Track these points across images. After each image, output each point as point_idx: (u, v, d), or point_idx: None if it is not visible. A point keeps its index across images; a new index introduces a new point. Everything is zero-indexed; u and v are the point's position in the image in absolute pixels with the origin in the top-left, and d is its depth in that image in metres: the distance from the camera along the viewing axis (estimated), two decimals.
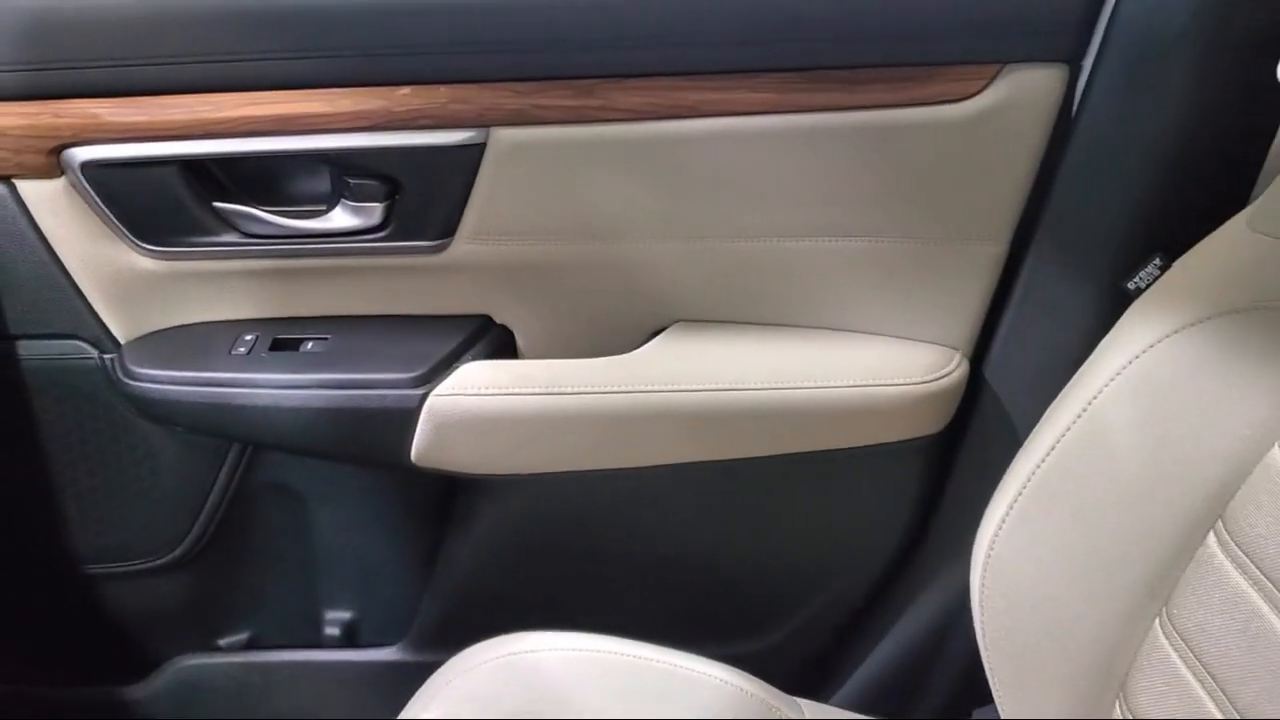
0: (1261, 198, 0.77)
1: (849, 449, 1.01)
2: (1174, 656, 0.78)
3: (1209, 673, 0.73)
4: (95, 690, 1.15)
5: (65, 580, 1.11)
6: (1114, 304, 0.84)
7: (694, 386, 0.98)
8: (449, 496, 1.08)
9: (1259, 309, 0.74)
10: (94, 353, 1.02)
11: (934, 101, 0.92)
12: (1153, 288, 0.82)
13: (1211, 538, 0.77)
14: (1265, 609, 0.71)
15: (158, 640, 1.15)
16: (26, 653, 1.15)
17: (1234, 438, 0.75)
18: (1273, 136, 0.82)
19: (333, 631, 1.16)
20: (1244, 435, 0.75)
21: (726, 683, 0.92)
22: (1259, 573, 0.71)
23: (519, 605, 1.00)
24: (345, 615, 1.17)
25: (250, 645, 1.16)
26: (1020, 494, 0.83)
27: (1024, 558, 0.85)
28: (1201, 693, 0.74)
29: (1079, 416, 0.80)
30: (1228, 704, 0.71)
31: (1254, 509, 0.74)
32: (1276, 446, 0.73)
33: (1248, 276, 0.76)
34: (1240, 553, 0.74)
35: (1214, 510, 0.76)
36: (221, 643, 1.16)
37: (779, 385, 0.99)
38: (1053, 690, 0.87)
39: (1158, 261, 0.85)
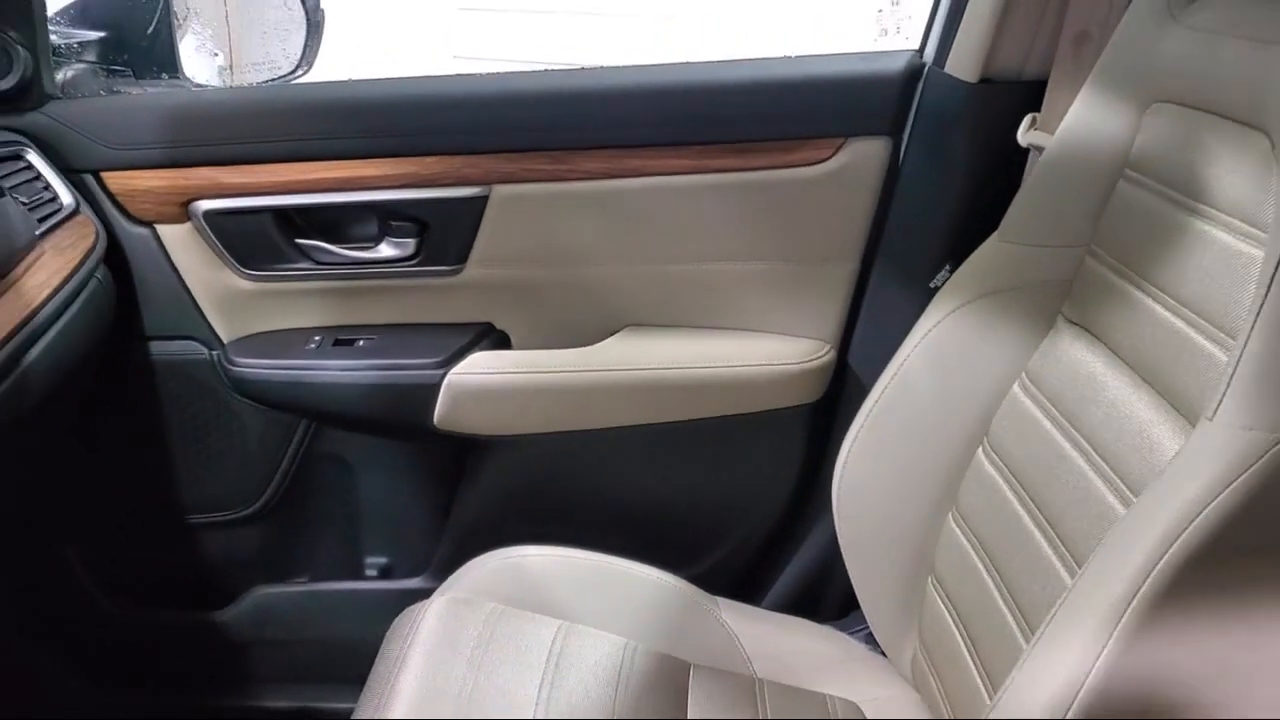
0: (1004, 219, 1.12)
1: (752, 413, 1.36)
2: (961, 538, 1.11)
3: (984, 547, 1.06)
4: (193, 614, 1.46)
5: (174, 526, 1.43)
6: (925, 299, 1.18)
7: (637, 368, 1.34)
8: (459, 459, 1.41)
9: (1001, 292, 1.09)
10: (205, 350, 1.36)
11: (801, 165, 1.29)
12: (944, 286, 1.17)
13: (980, 450, 1.10)
14: (1011, 497, 1.04)
15: (239, 575, 1.47)
16: (144, 583, 1.46)
17: (990, 378, 1.09)
18: (1020, 180, 1.18)
19: (371, 571, 1.48)
20: (996, 376, 1.09)
21: (665, 583, 1.24)
22: (1007, 470, 1.05)
23: (514, 538, 1.32)
24: (381, 559, 1.49)
25: (310, 579, 1.48)
26: (860, 430, 1.17)
27: (863, 477, 1.18)
28: (978, 564, 1.06)
29: (895, 374, 1.15)
30: (995, 571, 1.03)
31: (1002, 428, 1.08)
32: (1015, 385, 1.07)
33: (996, 271, 1.11)
34: (996, 458, 1.07)
35: (981, 430, 1.10)
36: (288, 577, 1.48)
37: (699, 366, 1.34)
38: (887, 571, 1.19)
39: (948, 268, 1.20)
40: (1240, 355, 0.71)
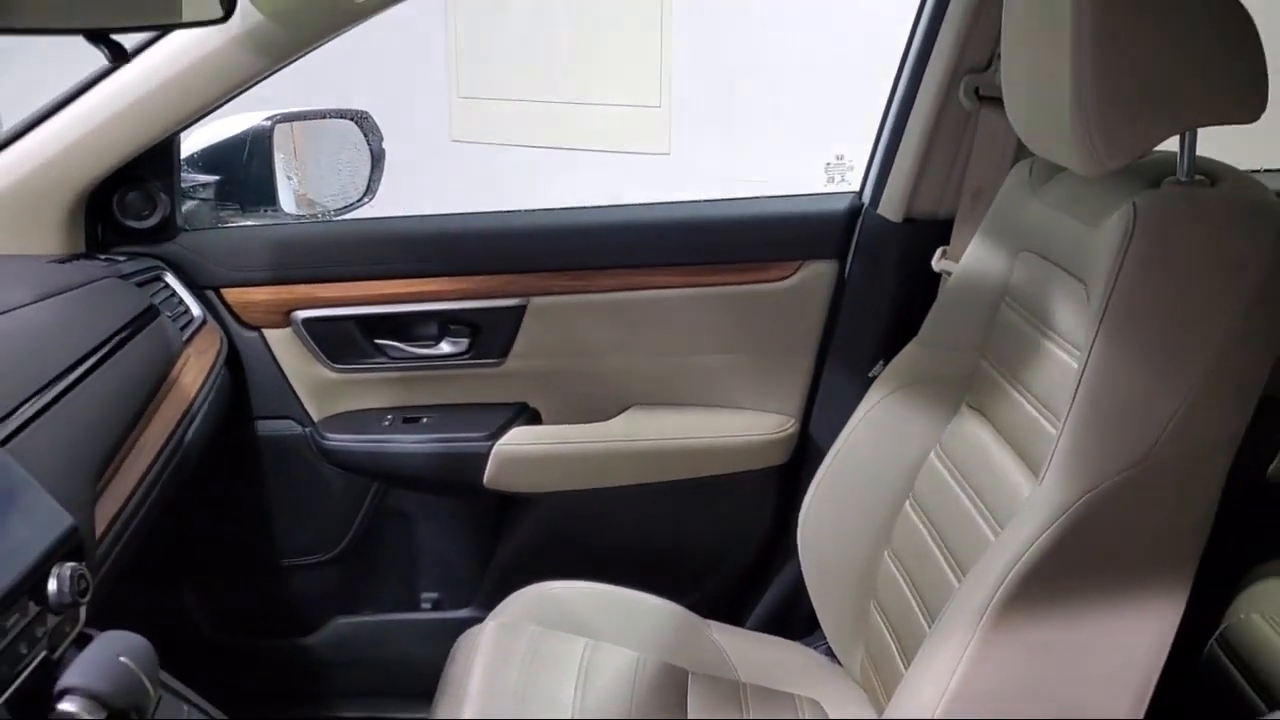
0: (923, 327, 1.44)
1: (733, 473, 1.68)
2: (895, 571, 1.41)
3: (910, 578, 1.36)
4: (282, 641, 1.74)
5: (268, 568, 1.72)
6: (865, 386, 1.50)
7: (642, 439, 1.65)
8: (501, 512, 1.71)
9: (922, 382, 1.41)
10: (300, 427, 1.66)
11: (768, 281, 1.62)
12: (879, 376, 1.49)
13: (907, 503, 1.42)
14: (929, 539, 1.34)
15: (320, 608, 1.75)
16: (241, 615, 1.74)
17: (915, 447, 1.41)
18: (934, 296, 1.50)
19: (426, 604, 1.77)
20: (919, 446, 1.40)
21: (667, 608, 1.54)
22: (926, 519, 1.36)
23: (545, 575, 1.60)
24: (434, 594, 1.78)
25: (377, 611, 1.77)
26: (817, 487, 1.48)
27: (821, 523, 1.49)
28: (906, 591, 1.36)
29: (844, 443, 1.46)
30: (919, 596, 1.31)
31: (923, 486, 1.39)
32: (932, 453, 1.39)
33: (917, 366, 1.43)
34: (919, 509, 1.38)
35: (908, 487, 1.41)
36: (360, 610, 1.77)
37: (691, 437, 1.66)
38: (840, 597, 1.49)
39: (882, 362, 1.52)
40: (1058, 440, 1.03)
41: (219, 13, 1.01)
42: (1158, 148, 1.04)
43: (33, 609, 0.87)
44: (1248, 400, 1.00)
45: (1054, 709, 1.00)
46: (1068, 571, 1.00)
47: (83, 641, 0.90)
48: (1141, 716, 1.04)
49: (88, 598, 0.91)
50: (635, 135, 4.92)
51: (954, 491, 1.29)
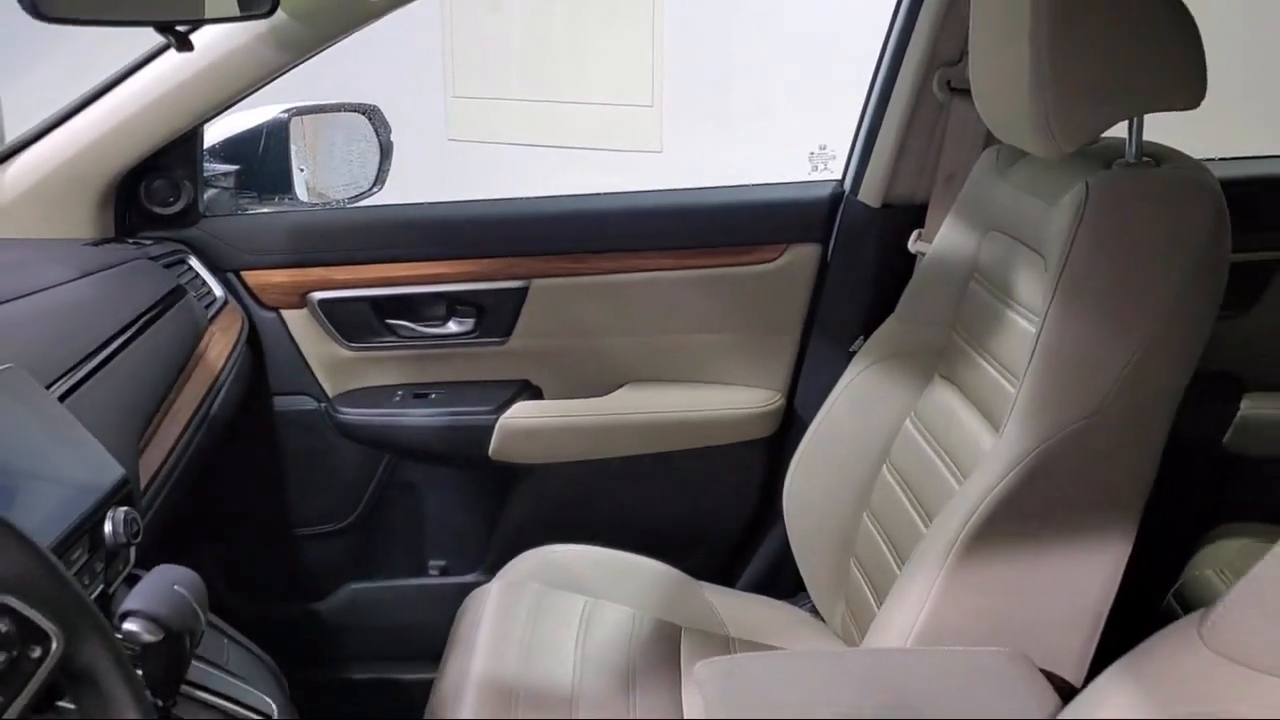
0: (899, 304, 1.53)
1: (724, 445, 1.77)
2: (874, 532, 1.50)
3: (888, 537, 1.45)
4: (297, 605, 1.83)
5: (284, 535, 1.80)
6: (846, 360, 1.59)
7: (638, 412, 1.74)
8: (506, 482, 1.80)
9: (899, 355, 1.50)
10: (316, 403, 1.75)
11: (756, 263, 1.71)
12: (859, 350, 1.58)
13: (885, 467, 1.51)
14: (905, 500, 1.43)
15: (334, 574, 1.83)
16: (259, 579, 1.83)
17: (891, 416, 1.50)
18: (910, 276, 1.59)
19: (433, 570, 1.86)
20: (895, 414, 1.49)
21: (662, 570, 1.63)
22: (903, 480, 1.44)
23: (547, 540, 1.68)
24: (441, 561, 1.87)
25: (387, 577, 1.86)
26: (801, 455, 1.57)
27: (804, 490, 1.58)
28: (884, 549, 1.45)
29: (826, 414, 1.55)
30: (895, 553, 1.39)
31: (899, 451, 1.48)
32: (907, 420, 1.48)
33: (894, 341, 1.52)
34: (895, 472, 1.47)
35: (885, 453, 1.50)
36: (371, 576, 1.86)
37: (684, 411, 1.75)
38: (822, 557, 1.58)
39: (862, 337, 1.61)
40: (1016, 397, 1.13)
41: (267, 6, 1.10)
42: (1111, 134, 1.14)
43: (88, 549, 0.96)
44: (1189, 360, 1.10)
45: (1013, 642, 1.10)
46: (1025, 516, 1.09)
47: (132, 581, 0.99)
48: (1093, 650, 1.14)
49: (138, 539, 1.00)
50: (628, 134, 5.01)
51: (926, 454, 1.38)
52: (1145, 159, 1.16)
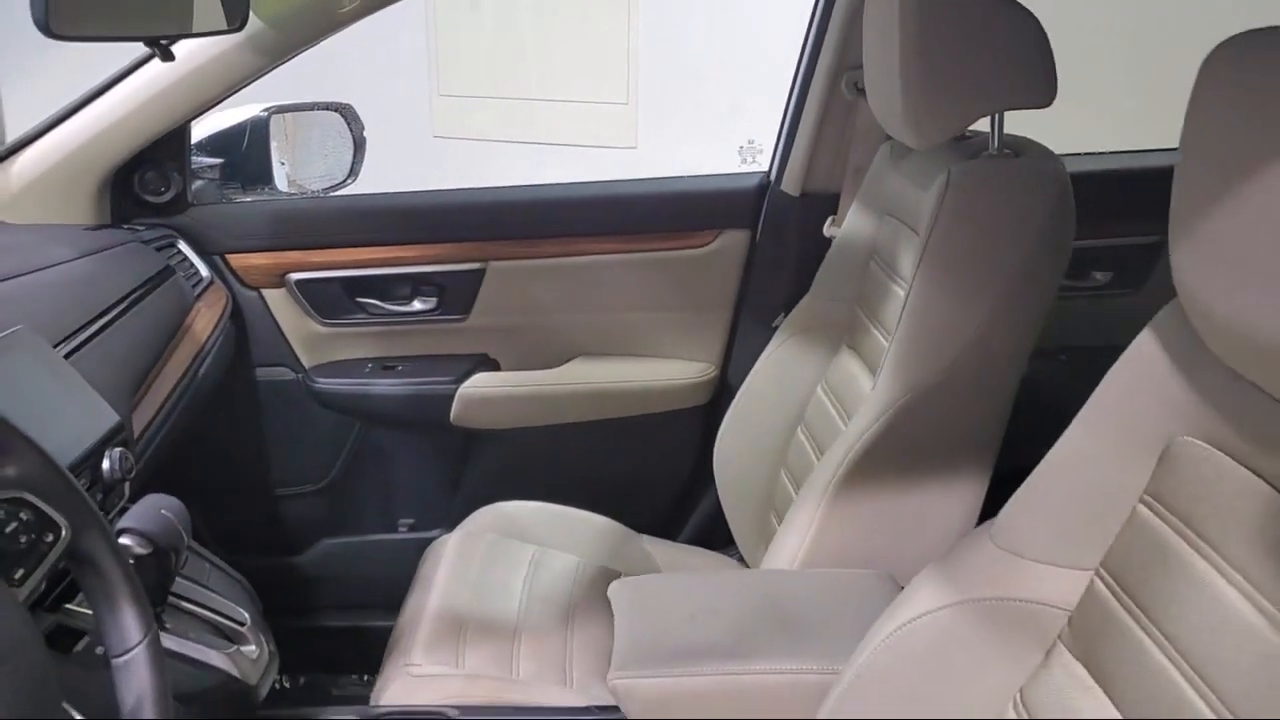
0: (813, 283, 1.71)
1: (663, 412, 1.94)
2: (788, 486, 1.67)
3: (800, 490, 1.61)
4: (276, 559, 1.99)
5: (264, 495, 1.97)
6: (769, 335, 1.75)
7: (586, 383, 1.91)
8: (466, 446, 1.97)
9: (812, 329, 1.67)
10: (293, 373, 1.91)
11: (691, 247, 1.88)
12: (780, 325, 1.74)
13: (799, 429, 1.68)
14: (814, 456, 1.60)
15: (310, 530, 2.00)
16: (241, 535, 1.98)
17: (805, 382, 1.66)
18: (819, 252, 1.76)
19: (403, 527, 2.03)
20: (808, 380, 1.66)
21: (606, 524, 1.79)
22: (812, 439, 1.61)
23: (504, 498, 1.84)
24: (410, 519, 2.03)
25: (359, 533, 2.02)
26: (729, 420, 1.74)
27: (731, 450, 1.75)
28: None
29: (750, 382, 1.72)
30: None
31: (811, 413, 1.65)
32: (819, 387, 1.65)
33: (809, 316, 1.69)
34: (807, 431, 1.64)
35: (800, 415, 1.66)
36: (344, 532, 2.03)
37: (626, 381, 1.92)
38: (747, 510, 1.74)
39: (783, 314, 1.77)
40: (887, 352, 1.30)
41: (237, 23, 1.28)
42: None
43: (89, 482, 1.12)
44: (1033, 325, 1.27)
45: (883, 566, 1.27)
46: (892, 456, 1.27)
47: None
48: None
49: (132, 476, 1.17)
50: (604, 131, 5.18)
51: (831, 415, 1.55)
52: (1006, 151, 1.33)
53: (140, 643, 0.84)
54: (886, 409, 1.26)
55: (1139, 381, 0.81)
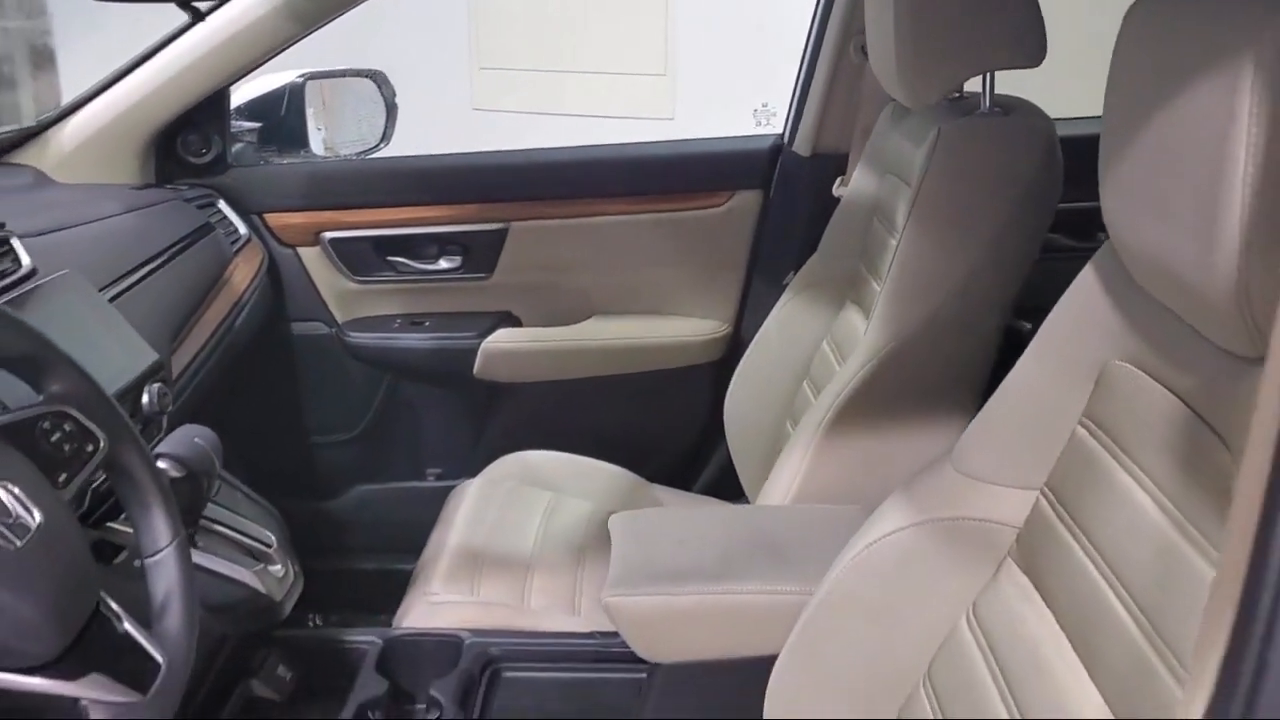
0: (820, 242, 1.77)
1: (678, 368, 2.01)
2: (792, 433, 1.74)
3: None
4: (311, 504, 2.10)
5: (301, 443, 2.08)
6: (779, 292, 1.82)
7: (604, 339, 1.99)
8: (489, 399, 2.06)
9: (819, 285, 1.74)
10: (327, 328, 2.01)
11: (706, 207, 1.94)
12: (790, 283, 1.81)
13: (805, 382, 1.74)
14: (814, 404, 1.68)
15: (344, 477, 2.11)
16: (278, 481, 2.08)
17: (811, 336, 1.73)
18: (829, 211, 1.82)
19: (430, 475, 2.13)
20: (814, 334, 1.73)
21: (620, 473, 1.87)
22: (814, 389, 1.69)
23: (524, 448, 1.94)
24: (438, 469, 2.14)
25: (390, 481, 2.12)
26: (738, 373, 1.82)
27: (740, 401, 1.82)
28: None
29: (760, 337, 1.79)
30: None
31: (817, 363, 1.72)
32: (824, 341, 1.71)
33: (816, 273, 1.76)
34: (811, 382, 1.71)
35: (806, 367, 1.73)
36: (376, 480, 2.13)
37: (643, 337, 2.00)
38: (752, 459, 1.81)
39: (793, 272, 1.84)
40: (878, 299, 1.36)
41: None
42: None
43: (129, 414, 1.22)
44: (1016, 276, 1.33)
45: (869, 501, 1.33)
46: (879, 398, 1.33)
47: None
48: None
49: (169, 411, 1.26)
50: (642, 102, 5.24)
51: (832, 365, 1.62)
52: (996, 110, 1.38)
53: (169, 545, 0.93)
54: (875, 353, 1.33)
55: (1079, 312, 0.88)
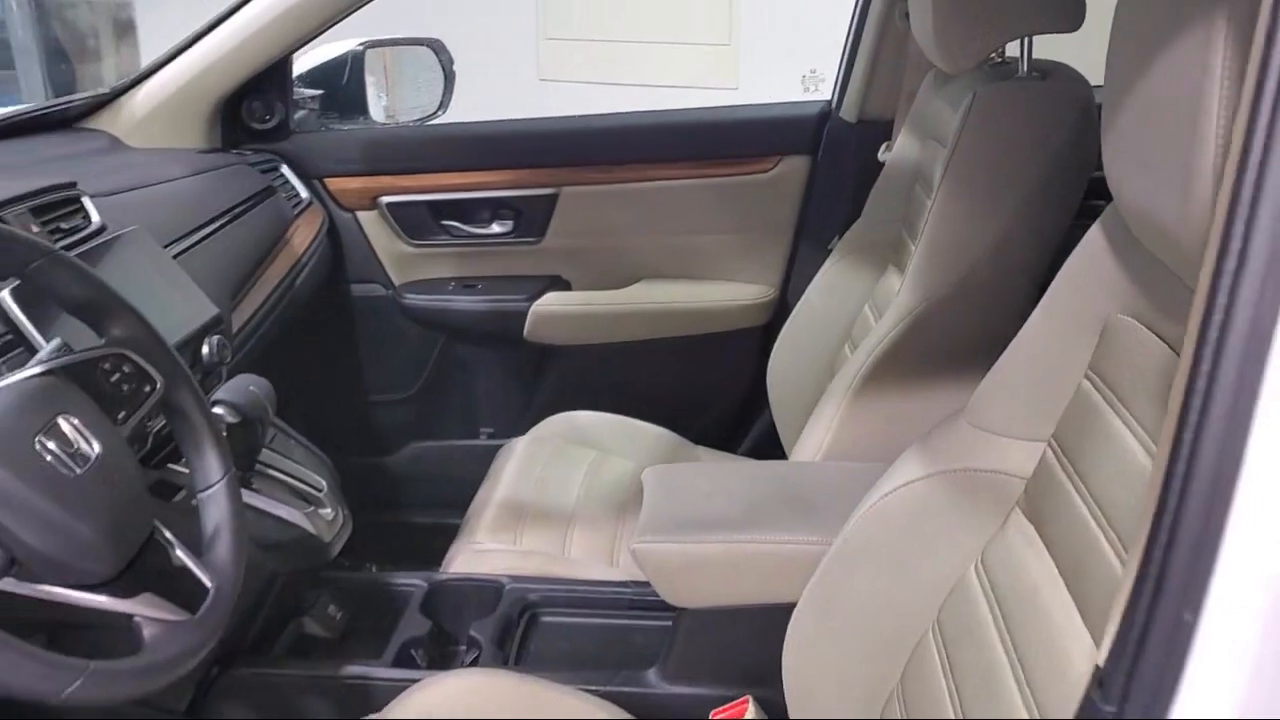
0: (865, 206, 1.79)
1: (724, 331, 2.05)
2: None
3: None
4: (369, 459, 2.18)
5: (360, 401, 2.16)
6: (824, 256, 1.85)
7: (651, 302, 2.03)
8: (538, 360, 2.11)
9: (861, 249, 1.76)
10: (384, 289, 2.08)
11: (754, 172, 1.97)
12: (835, 248, 1.83)
13: (846, 345, 1.77)
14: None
15: (400, 434, 2.18)
16: (336, 436, 2.16)
17: (855, 299, 1.75)
18: (875, 177, 1.83)
19: (483, 434, 2.20)
20: (858, 297, 1.75)
21: (664, 434, 1.92)
22: (855, 352, 1.71)
23: (572, 408, 2.00)
24: (490, 428, 2.20)
25: (444, 438, 2.20)
26: (782, 335, 1.84)
27: (783, 363, 1.85)
28: None
29: (804, 300, 1.82)
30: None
31: (859, 326, 1.74)
32: (866, 304, 1.73)
33: (860, 238, 1.78)
34: (852, 344, 1.74)
35: (849, 328, 1.76)
36: (431, 437, 2.20)
37: (690, 302, 2.03)
38: (794, 421, 1.82)
39: (838, 236, 1.86)
40: (911, 258, 1.38)
41: None
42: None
43: (189, 364, 1.29)
44: (1049, 241, 1.34)
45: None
46: (910, 358, 1.36)
47: None
48: None
49: (228, 362, 1.34)
50: (706, 72, 5.24)
51: (874, 329, 1.64)
52: (1034, 74, 1.39)
53: (220, 480, 1.00)
54: (907, 314, 1.35)
55: (1085, 268, 0.89)
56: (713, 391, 2.11)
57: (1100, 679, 0.50)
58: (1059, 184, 1.32)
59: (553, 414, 1.94)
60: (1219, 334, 0.45)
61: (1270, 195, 0.44)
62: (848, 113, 1.91)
